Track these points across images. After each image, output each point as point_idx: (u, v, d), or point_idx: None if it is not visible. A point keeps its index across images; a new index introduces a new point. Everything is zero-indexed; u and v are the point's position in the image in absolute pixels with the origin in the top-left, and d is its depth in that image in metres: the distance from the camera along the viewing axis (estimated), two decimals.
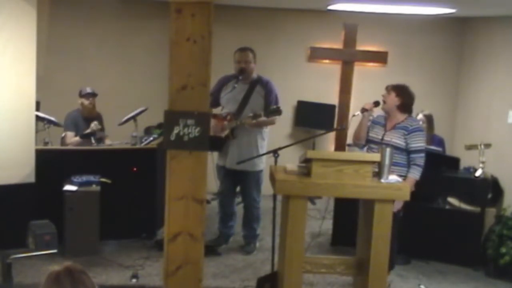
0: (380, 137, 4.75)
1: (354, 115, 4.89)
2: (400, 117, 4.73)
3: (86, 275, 2.08)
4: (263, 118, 5.15)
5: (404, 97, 4.72)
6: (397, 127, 4.71)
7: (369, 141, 4.84)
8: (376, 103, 4.81)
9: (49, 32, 6.90)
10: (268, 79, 5.43)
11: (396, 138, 4.66)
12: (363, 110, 4.79)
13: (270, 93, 5.33)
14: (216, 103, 5.41)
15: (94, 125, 5.81)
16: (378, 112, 4.97)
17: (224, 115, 5.31)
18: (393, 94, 4.71)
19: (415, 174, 4.61)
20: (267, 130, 5.45)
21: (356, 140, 4.95)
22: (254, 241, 5.57)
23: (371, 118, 4.90)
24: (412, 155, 4.63)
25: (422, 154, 4.65)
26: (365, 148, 4.96)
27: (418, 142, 4.65)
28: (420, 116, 5.90)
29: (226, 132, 5.25)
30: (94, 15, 7.25)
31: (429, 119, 5.94)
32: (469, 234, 5.39)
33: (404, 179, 4.50)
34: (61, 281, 2.02)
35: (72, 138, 5.88)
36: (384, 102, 4.77)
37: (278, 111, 5.10)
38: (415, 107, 6.34)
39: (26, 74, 4.88)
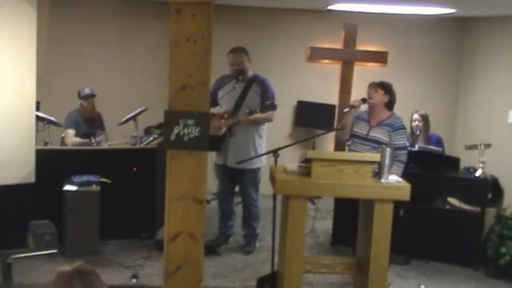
0: (365, 133, 4.89)
1: (344, 111, 5.02)
2: (384, 114, 4.88)
3: (96, 276, 2.09)
4: (258, 114, 5.17)
5: (391, 95, 4.90)
6: (382, 123, 4.85)
7: (353, 136, 4.97)
8: (364, 100, 4.93)
9: (49, 32, 6.91)
10: (265, 78, 5.46)
11: (381, 135, 4.82)
12: (351, 107, 4.93)
13: (267, 91, 5.35)
14: (214, 102, 5.41)
15: None
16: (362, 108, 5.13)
17: (221, 114, 5.34)
18: (381, 92, 4.87)
19: (398, 170, 4.68)
20: (264, 127, 5.46)
21: (341, 135, 5.11)
22: (254, 240, 5.57)
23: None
24: (396, 152, 4.69)
25: (405, 151, 4.83)
26: (349, 142, 5.08)
27: (402, 139, 4.83)
28: (416, 116, 5.88)
29: (223, 130, 5.26)
30: (94, 15, 7.25)
31: (425, 119, 5.92)
32: (469, 234, 5.39)
33: None
34: (73, 284, 2.02)
35: (72, 138, 5.87)
36: (370, 98, 4.88)
37: (272, 106, 5.15)
38: (413, 106, 6.36)
39: (26, 74, 4.88)
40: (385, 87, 4.89)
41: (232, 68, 5.34)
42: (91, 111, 6.02)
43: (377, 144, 4.74)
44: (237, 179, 5.53)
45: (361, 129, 4.92)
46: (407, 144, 4.97)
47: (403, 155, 4.76)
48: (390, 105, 4.90)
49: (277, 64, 7.37)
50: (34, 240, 4.57)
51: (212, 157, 5.44)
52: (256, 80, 5.38)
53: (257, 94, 5.34)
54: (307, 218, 5.73)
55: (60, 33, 7.09)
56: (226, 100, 5.38)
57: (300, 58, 7.52)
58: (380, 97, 4.85)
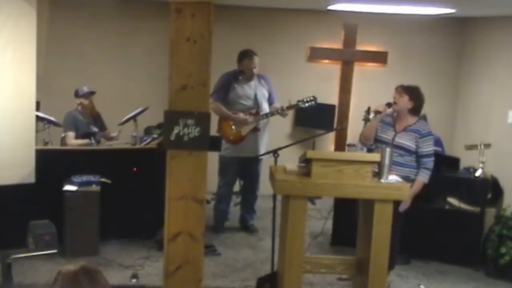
0: (390, 138, 4.70)
1: (369, 120, 4.78)
2: (410, 119, 4.71)
3: (102, 275, 2.09)
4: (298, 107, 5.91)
5: (416, 100, 4.70)
6: (408, 129, 4.68)
7: (378, 141, 4.78)
8: (389, 105, 4.73)
9: (49, 32, 6.90)
10: (264, 74, 5.96)
11: (407, 141, 4.64)
12: (377, 113, 4.72)
13: (271, 85, 5.94)
14: (223, 99, 5.74)
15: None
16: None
17: (244, 111, 5.71)
18: (406, 97, 4.67)
19: (424, 177, 4.63)
20: None
21: (364, 140, 4.89)
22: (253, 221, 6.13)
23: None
24: (424, 159, 4.64)
25: (432, 158, 4.68)
26: (365, 149, 4.96)
27: (430, 146, 4.67)
28: None
29: (253, 125, 5.70)
30: (94, 15, 7.25)
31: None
32: (469, 234, 5.39)
33: (413, 181, 4.57)
34: (80, 281, 2.02)
35: (73, 141, 5.84)
36: (395, 103, 4.71)
37: (315, 100, 5.76)
38: None
39: (26, 74, 4.87)
40: (411, 92, 4.68)
41: (248, 71, 5.71)
42: (92, 109, 6.03)
43: (403, 151, 4.59)
44: (249, 169, 5.87)
45: (386, 134, 4.73)
46: (434, 150, 4.77)
47: (430, 162, 4.64)
48: (414, 111, 4.70)
49: (277, 64, 7.37)
50: (34, 240, 4.57)
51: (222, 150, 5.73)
52: (261, 77, 5.86)
53: (266, 90, 5.86)
54: (309, 219, 5.78)
55: (60, 33, 7.09)
56: (243, 98, 5.73)
57: (300, 58, 7.52)
58: (404, 103, 4.65)
